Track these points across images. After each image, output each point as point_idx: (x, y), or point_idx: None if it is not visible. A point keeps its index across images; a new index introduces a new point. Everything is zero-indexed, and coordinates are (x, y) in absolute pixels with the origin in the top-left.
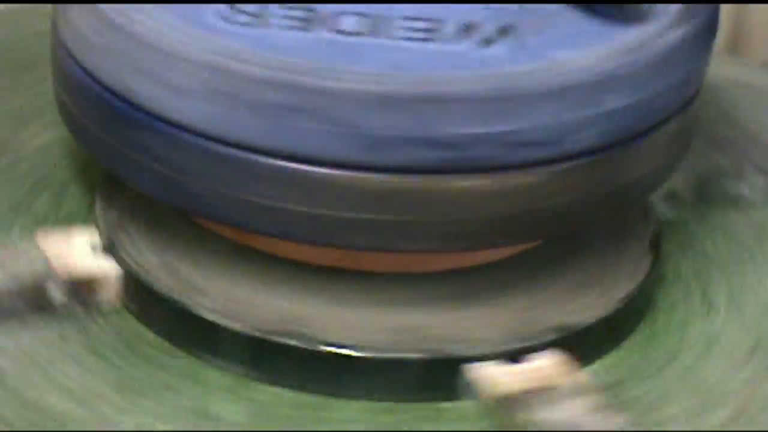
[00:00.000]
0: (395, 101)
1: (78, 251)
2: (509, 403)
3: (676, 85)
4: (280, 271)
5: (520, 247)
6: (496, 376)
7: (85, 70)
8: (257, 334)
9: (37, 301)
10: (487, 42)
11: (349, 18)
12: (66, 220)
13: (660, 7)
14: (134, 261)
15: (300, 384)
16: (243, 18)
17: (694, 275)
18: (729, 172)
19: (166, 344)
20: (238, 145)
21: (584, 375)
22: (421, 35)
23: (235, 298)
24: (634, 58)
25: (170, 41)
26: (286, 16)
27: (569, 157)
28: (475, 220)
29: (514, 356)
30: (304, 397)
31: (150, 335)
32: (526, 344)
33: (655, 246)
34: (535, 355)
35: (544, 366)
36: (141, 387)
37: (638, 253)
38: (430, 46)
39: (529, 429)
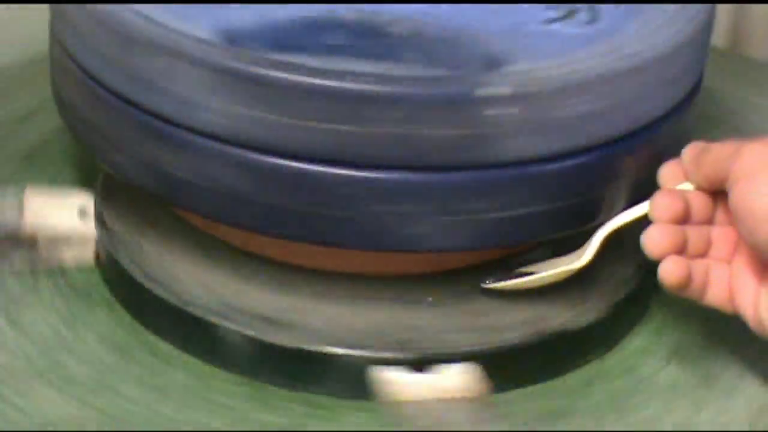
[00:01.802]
0: None
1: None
2: (402, 408)
3: None
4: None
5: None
6: (396, 382)
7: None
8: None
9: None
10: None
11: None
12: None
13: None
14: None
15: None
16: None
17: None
18: None
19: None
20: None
21: (485, 393)
22: None
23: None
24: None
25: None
26: None
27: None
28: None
29: (420, 365)
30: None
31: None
32: (437, 355)
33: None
34: (446, 366)
35: (450, 378)
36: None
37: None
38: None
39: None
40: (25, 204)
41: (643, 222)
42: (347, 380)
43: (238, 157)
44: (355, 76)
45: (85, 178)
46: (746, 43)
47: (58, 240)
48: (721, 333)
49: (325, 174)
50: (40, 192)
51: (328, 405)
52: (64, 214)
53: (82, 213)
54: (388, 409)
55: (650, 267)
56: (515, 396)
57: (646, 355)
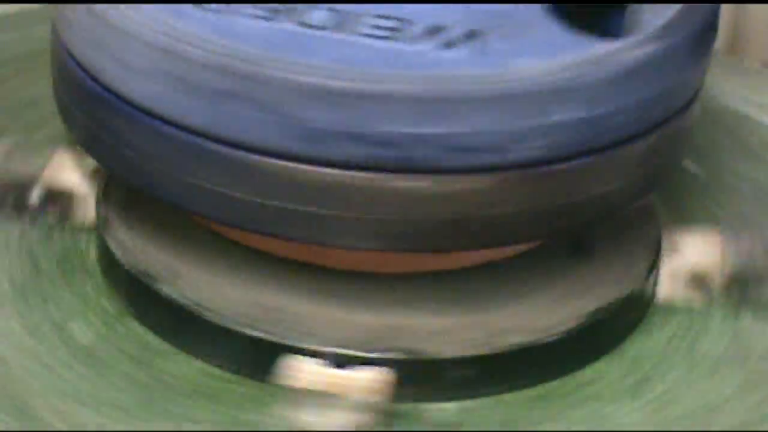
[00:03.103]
0: (333, 95)
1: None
2: (298, 397)
3: (639, 104)
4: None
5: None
6: (307, 371)
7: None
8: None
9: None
10: (449, 44)
11: (318, 12)
12: None
13: (646, 20)
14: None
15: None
16: (214, 5)
17: None
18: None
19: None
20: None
21: (387, 400)
22: (384, 33)
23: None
24: (588, 72)
25: (129, 21)
26: (256, 7)
27: (515, 166)
28: (415, 221)
29: (341, 362)
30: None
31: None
32: (359, 354)
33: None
34: (365, 367)
35: (361, 379)
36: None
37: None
38: (390, 44)
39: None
40: (51, 159)
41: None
42: None
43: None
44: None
45: None
46: (746, 43)
47: (64, 195)
48: None
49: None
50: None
51: None
52: (75, 173)
53: (95, 174)
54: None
55: None
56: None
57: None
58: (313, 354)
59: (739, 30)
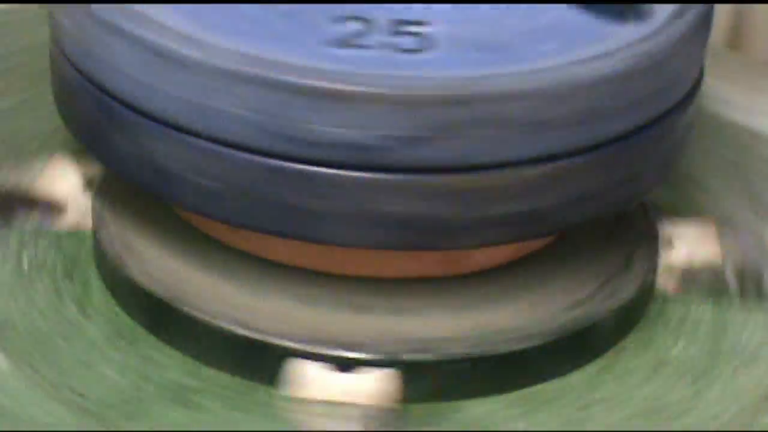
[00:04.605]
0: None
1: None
2: (306, 404)
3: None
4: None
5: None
6: (310, 377)
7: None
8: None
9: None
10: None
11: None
12: None
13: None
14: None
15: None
16: None
17: None
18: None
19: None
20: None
21: (395, 403)
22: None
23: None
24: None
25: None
26: None
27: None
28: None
29: (343, 364)
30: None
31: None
32: (360, 356)
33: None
34: (367, 369)
35: (364, 382)
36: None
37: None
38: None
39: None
40: (47, 169)
41: None
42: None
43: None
44: None
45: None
46: (746, 43)
47: (60, 205)
48: None
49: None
50: (63, 159)
51: None
52: (70, 182)
53: (90, 183)
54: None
55: None
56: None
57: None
58: (319, 358)
59: (739, 30)
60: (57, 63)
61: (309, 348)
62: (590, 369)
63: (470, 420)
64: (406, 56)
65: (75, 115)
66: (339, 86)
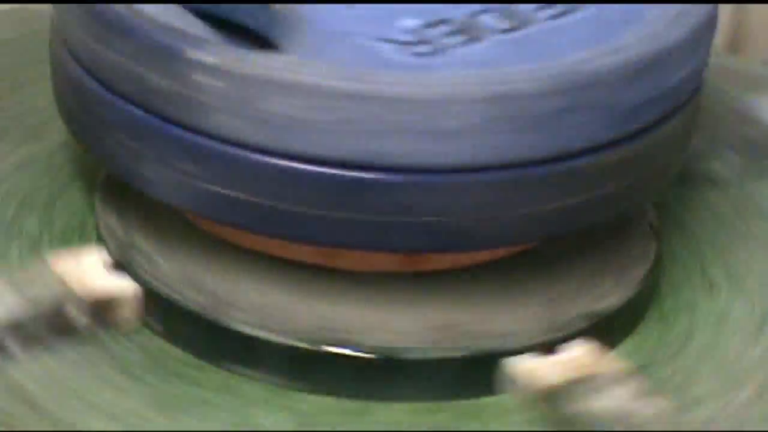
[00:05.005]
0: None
1: (92, 270)
2: (551, 395)
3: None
4: (303, 276)
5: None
6: (534, 369)
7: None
8: (295, 342)
9: (59, 324)
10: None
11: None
12: (62, 237)
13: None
14: (152, 276)
15: (340, 390)
16: None
17: (690, 256)
18: (704, 152)
19: (194, 359)
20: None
21: (618, 361)
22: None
23: (267, 308)
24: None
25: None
26: None
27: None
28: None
29: (549, 347)
30: (347, 404)
31: (176, 351)
32: (559, 335)
33: (656, 229)
34: (568, 345)
35: (580, 355)
36: (179, 403)
37: (641, 236)
38: None
39: (577, 420)
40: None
41: None
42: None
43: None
44: None
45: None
46: (746, 43)
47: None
48: None
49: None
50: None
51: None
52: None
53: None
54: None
55: None
56: None
57: None
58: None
59: (740, 30)
60: (61, 63)
61: (519, 344)
62: None
63: None
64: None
65: (76, 114)
66: None
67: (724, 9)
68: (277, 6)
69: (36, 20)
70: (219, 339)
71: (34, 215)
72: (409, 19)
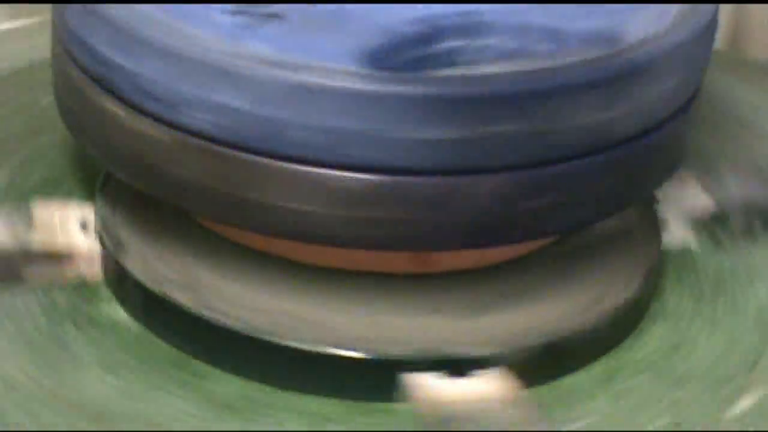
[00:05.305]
0: None
1: (66, 225)
2: (441, 412)
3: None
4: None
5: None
6: (431, 386)
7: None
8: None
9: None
10: None
11: None
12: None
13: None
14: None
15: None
16: None
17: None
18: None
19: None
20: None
21: (523, 394)
22: None
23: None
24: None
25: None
26: None
27: None
28: None
29: (455, 368)
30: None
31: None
32: (470, 357)
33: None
34: (478, 370)
35: (484, 381)
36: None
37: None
38: None
39: None
40: (34, 219)
41: None
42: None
43: None
44: None
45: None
46: (746, 43)
47: (63, 256)
48: None
49: None
50: (48, 206)
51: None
52: (68, 229)
53: (83, 226)
54: (423, 412)
55: None
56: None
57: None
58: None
59: (739, 30)
60: (61, 63)
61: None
62: None
63: None
64: None
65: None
66: None
67: (724, 9)
68: None
69: None
70: (218, 339)
71: None
72: None
